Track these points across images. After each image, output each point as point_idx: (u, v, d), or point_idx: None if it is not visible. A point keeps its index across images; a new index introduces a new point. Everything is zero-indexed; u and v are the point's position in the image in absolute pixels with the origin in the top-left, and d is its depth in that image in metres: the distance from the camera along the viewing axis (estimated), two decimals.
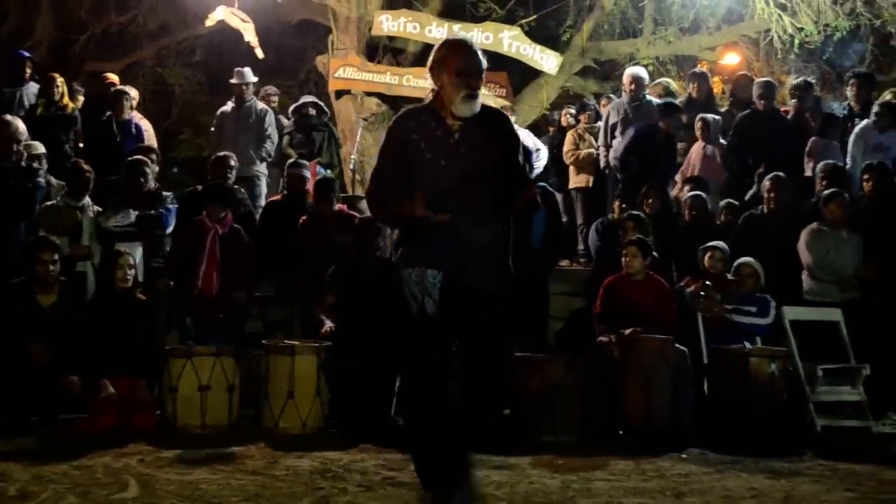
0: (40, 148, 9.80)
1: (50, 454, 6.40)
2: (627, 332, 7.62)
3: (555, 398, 7.36)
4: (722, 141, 11.11)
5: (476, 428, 5.16)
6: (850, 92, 11.42)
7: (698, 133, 11.16)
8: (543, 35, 15.59)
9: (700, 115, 11.18)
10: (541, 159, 11.33)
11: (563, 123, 13.04)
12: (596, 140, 11.99)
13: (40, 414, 7.58)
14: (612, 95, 13.47)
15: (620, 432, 7.50)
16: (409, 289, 4.92)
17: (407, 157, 5.01)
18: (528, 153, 5.10)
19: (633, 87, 11.63)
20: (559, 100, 15.86)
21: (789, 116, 11.21)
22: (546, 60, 14.93)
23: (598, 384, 7.59)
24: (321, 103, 12.54)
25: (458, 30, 14.88)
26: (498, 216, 4.97)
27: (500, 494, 5.56)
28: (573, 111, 13.11)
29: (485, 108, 5.07)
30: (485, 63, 5.00)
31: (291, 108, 12.40)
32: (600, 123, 12.16)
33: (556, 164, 12.42)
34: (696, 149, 11.18)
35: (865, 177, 9.42)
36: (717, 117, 11.30)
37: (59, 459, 6.21)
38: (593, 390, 7.57)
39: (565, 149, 12.32)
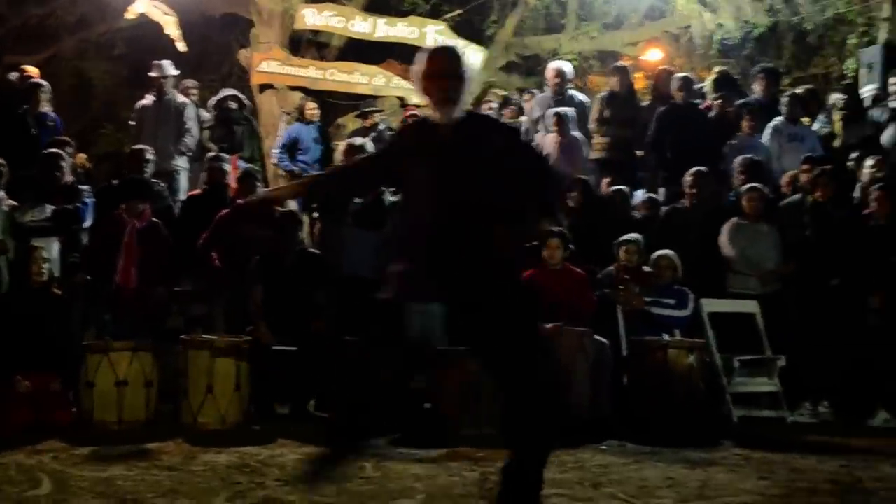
0: None
1: None
2: (549, 326, 7.60)
3: (475, 391, 7.35)
4: (575, 133, 11.13)
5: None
6: (757, 86, 11.62)
7: (553, 127, 11.13)
8: (468, 30, 15.64)
9: (554, 110, 11.19)
10: None
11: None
12: None
13: None
14: (534, 91, 13.50)
15: None
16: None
17: (395, 166, 4.85)
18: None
19: (557, 81, 11.69)
20: (483, 95, 15.90)
21: (712, 112, 11.31)
22: (471, 55, 14.95)
23: None
24: (242, 97, 12.41)
25: (383, 24, 14.90)
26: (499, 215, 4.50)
27: (420, 487, 5.57)
28: (495, 105, 13.12)
29: (474, 114, 5.00)
30: (463, 68, 4.67)
31: (212, 101, 12.27)
32: (524, 118, 12.21)
33: None
34: (552, 141, 11.11)
35: (805, 166, 9.63)
36: (571, 110, 11.32)
37: None
38: None
39: None
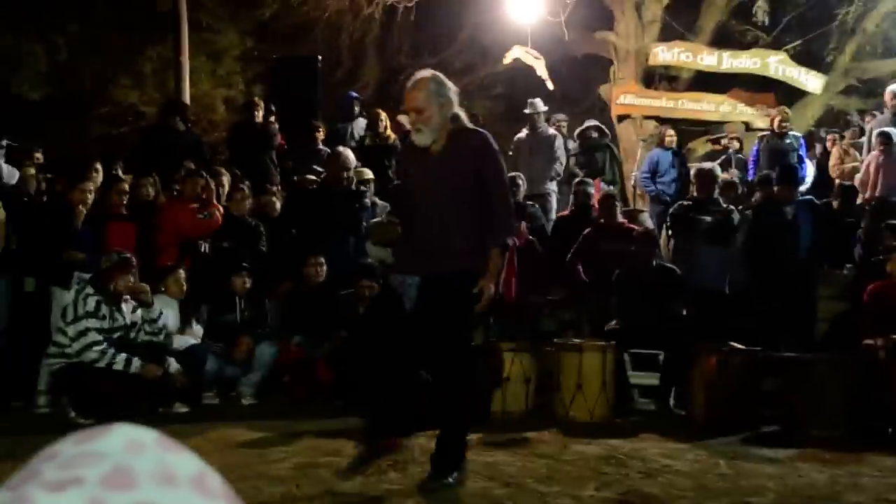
0: (369, 174, 10.15)
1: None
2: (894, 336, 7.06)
3: (822, 395, 6.93)
4: None
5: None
6: None
7: (878, 146, 10.17)
8: (808, 58, 14.87)
9: (879, 129, 10.25)
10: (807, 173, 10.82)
11: (829, 147, 12.30)
12: (860, 154, 11.27)
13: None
14: (875, 112, 12.63)
15: (889, 430, 6.92)
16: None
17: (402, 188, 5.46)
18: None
19: (895, 102, 10.87)
20: (824, 117, 15.11)
21: None
22: (810, 81, 14.26)
23: (864, 383, 7.06)
24: (602, 126, 12.40)
25: (728, 56, 14.45)
26: (465, 217, 4.99)
27: (771, 486, 5.28)
28: (834, 133, 12.41)
29: (459, 132, 5.05)
30: (421, 99, 4.95)
31: (576, 131, 12.32)
32: (864, 139, 11.45)
33: (823, 179, 11.75)
34: (875, 160, 10.18)
35: None
36: None
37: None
38: (859, 388, 7.04)
39: (831, 163, 11.64)
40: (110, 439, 0.81)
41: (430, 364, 5.19)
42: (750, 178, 11.42)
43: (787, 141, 11.46)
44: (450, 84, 5.12)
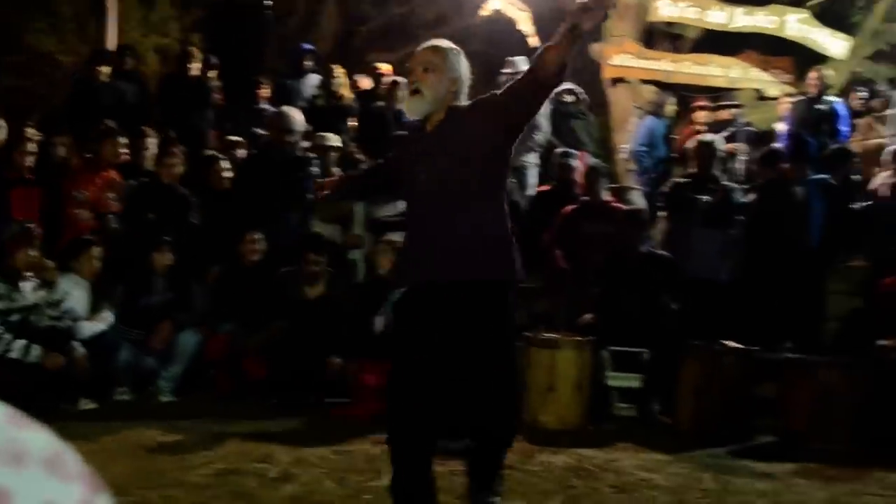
0: (334, 140, 10.07)
1: (312, 437, 6.60)
2: None
3: (827, 403, 6.99)
4: None
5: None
6: None
7: None
8: (833, 18, 14.93)
9: None
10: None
11: (855, 106, 12.26)
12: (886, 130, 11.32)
13: (311, 397, 7.83)
14: None
15: None
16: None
17: (394, 171, 4.93)
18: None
19: None
20: (849, 86, 15.16)
21: None
22: (834, 44, 14.30)
23: (875, 390, 7.11)
24: (579, 90, 12.39)
25: (741, 13, 14.46)
26: (482, 204, 4.48)
27: None
28: (864, 94, 12.43)
29: (457, 106, 4.60)
30: (436, 60, 4.58)
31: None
32: (890, 111, 11.50)
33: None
34: None
35: None
36: None
37: (321, 443, 6.41)
38: (869, 396, 7.09)
39: (854, 138, 11.64)
40: None
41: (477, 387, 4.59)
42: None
43: (820, 107, 11.40)
44: (468, 66, 4.70)
